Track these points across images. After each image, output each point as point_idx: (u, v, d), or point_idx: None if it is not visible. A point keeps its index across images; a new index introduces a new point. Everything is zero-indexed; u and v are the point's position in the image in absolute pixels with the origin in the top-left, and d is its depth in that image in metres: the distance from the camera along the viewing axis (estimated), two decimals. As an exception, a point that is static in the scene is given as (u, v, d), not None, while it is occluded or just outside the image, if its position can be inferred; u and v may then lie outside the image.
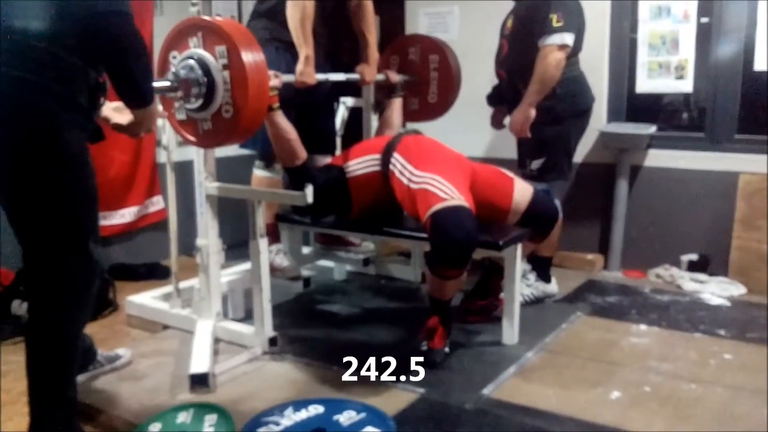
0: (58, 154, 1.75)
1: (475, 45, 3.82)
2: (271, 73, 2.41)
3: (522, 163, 3.24)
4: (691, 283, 3.44)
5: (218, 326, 2.72)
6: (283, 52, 2.85)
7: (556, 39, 2.89)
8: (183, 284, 2.92)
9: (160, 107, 2.12)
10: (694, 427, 2.08)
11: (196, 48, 2.15)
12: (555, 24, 2.88)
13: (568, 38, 2.91)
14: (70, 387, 1.91)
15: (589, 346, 2.71)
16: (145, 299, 3.04)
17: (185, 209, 3.01)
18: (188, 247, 2.94)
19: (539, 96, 2.98)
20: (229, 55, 2.08)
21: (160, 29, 3.57)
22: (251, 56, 2.09)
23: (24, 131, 1.71)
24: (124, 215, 3.82)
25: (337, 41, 3.19)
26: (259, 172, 3.04)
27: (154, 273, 3.74)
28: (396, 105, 3.28)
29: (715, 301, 3.25)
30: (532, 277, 3.21)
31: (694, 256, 3.57)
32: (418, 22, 4.32)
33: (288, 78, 2.64)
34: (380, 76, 3.22)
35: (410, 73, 3.43)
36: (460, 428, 2.09)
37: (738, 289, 3.35)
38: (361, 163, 2.74)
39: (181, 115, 2.29)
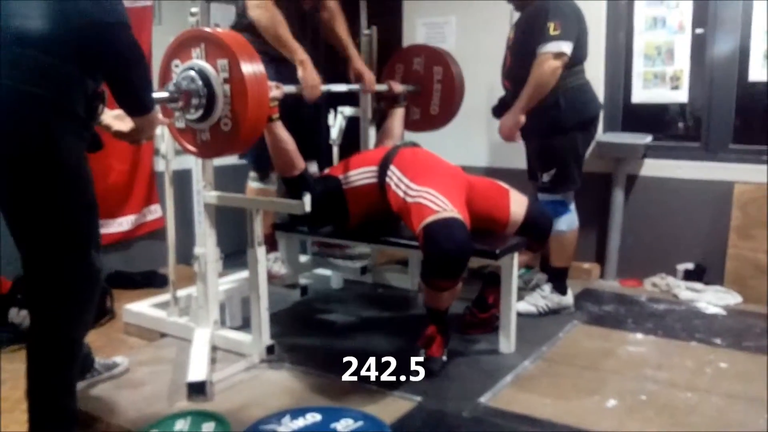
0: (55, 163, 1.75)
1: (472, 55, 3.84)
2: (272, 84, 2.41)
3: (533, 176, 3.24)
4: (687, 292, 3.44)
5: (216, 334, 2.72)
6: (266, 65, 2.82)
7: (552, 47, 2.90)
8: (181, 292, 2.92)
9: (160, 115, 2.13)
10: (690, 436, 2.09)
11: (198, 59, 2.16)
12: (552, 32, 2.89)
13: (565, 47, 2.91)
14: (70, 395, 1.91)
15: (585, 355, 2.72)
16: (143, 307, 3.05)
17: (183, 218, 3.02)
18: (186, 255, 2.94)
19: (531, 102, 2.98)
20: (230, 69, 2.08)
21: (158, 39, 3.58)
22: (252, 73, 2.08)
23: (21, 141, 1.71)
24: (122, 224, 3.83)
25: (323, 53, 3.15)
26: (253, 184, 3.03)
27: (151, 281, 3.74)
28: (398, 115, 3.28)
29: (711, 309, 3.26)
30: (547, 288, 3.20)
31: (690, 265, 3.58)
32: (416, 32, 4.34)
33: (289, 89, 2.62)
34: (383, 87, 3.21)
35: (414, 83, 3.44)
36: (457, 436, 2.09)
37: (734, 298, 3.36)
38: (358, 175, 2.75)
39: (180, 124, 2.30)
